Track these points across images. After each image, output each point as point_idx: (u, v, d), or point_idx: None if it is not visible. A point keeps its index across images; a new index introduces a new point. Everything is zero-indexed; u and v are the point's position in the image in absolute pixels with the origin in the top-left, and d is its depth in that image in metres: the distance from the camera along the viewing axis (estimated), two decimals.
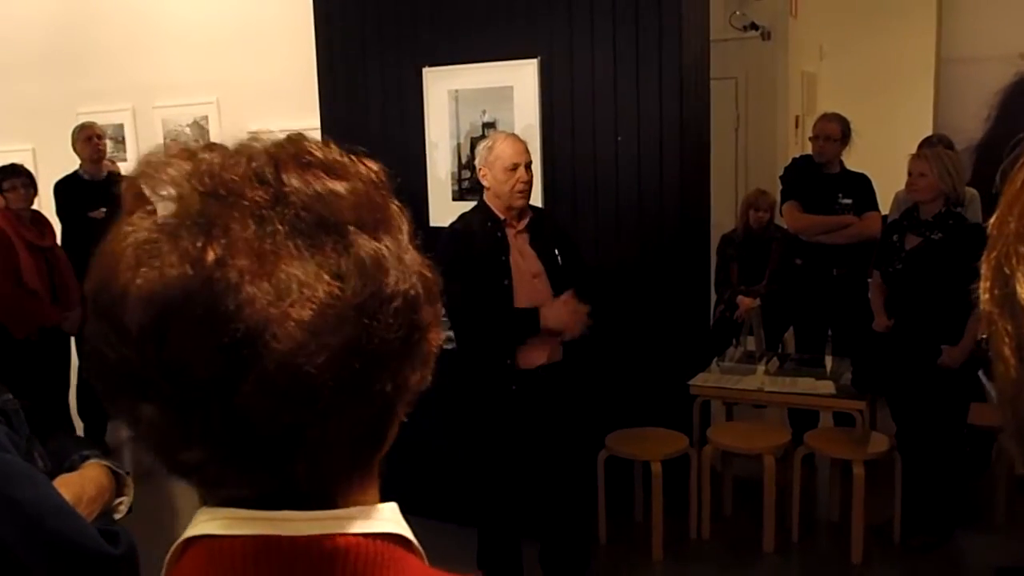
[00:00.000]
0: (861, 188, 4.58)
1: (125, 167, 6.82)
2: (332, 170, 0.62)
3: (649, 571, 3.79)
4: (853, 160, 4.69)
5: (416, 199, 4.59)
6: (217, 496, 0.62)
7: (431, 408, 3.76)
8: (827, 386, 3.93)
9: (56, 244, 4.88)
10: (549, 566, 3.49)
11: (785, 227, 4.76)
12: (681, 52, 3.97)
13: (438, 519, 4.06)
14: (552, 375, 3.28)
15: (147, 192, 0.59)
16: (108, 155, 6.10)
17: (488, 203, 3.29)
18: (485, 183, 3.29)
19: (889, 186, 4.71)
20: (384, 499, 0.67)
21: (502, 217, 3.25)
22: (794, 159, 5.00)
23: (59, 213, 5.22)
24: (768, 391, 3.96)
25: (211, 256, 0.55)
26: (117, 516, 1.47)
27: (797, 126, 6.21)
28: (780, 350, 4.80)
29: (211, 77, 6.93)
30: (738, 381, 4.05)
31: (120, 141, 8.03)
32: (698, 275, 4.39)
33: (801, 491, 3.92)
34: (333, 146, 0.65)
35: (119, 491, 1.50)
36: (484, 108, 4.40)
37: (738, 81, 5.95)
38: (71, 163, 5.32)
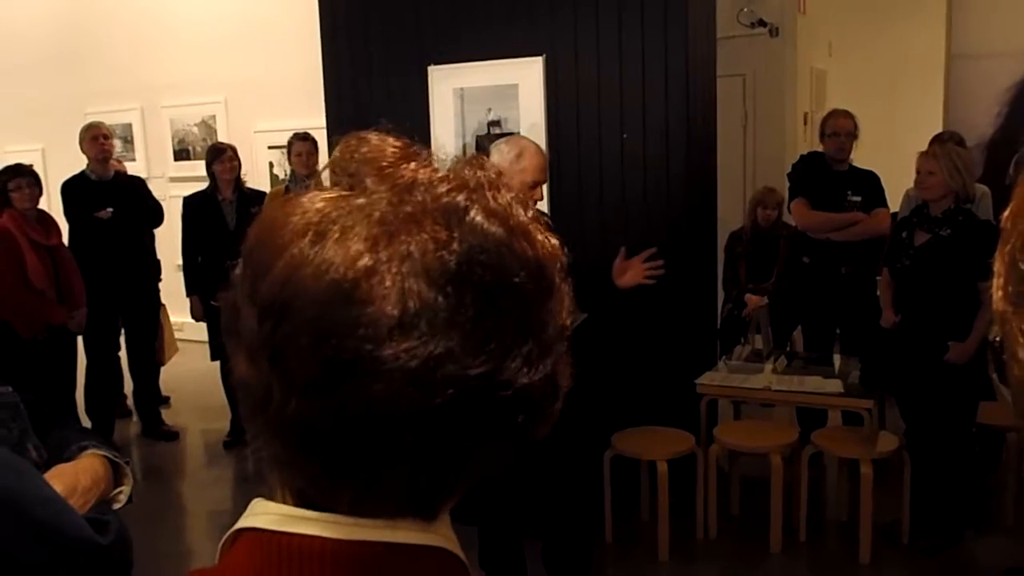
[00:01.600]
0: (870, 185, 4.54)
1: (133, 167, 6.85)
2: (523, 234, 0.58)
3: (655, 571, 3.77)
4: (863, 157, 4.66)
5: None
6: (280, 482, 0.63)
7: None
8: (835, 385, 3.90)
9: (62, 243, 4.89)
10: (552, 565, 3.47)
11: (793, 225, 4.73)
12: (687, 49, 3.94)
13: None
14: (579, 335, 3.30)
15: (343, 177, 0.60)
16: (116, 155, 6.12)
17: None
18: None
19: (899, 183, 4.68)
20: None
21: None
22: (802, 156, 4.97)
23: (66, 213, 5.24)
24: (775, 390, 3.93)
25: (364, 261, 0.54)
26: (116, 506, 1.46)
27: (806, 123, 6.17)
28: (788, 348, 4.77)
29: (218, 77, 6.95)
30: (745, 380, 4.02)
31: (129, 141, 8.07)
32: (705, 273, 4.36)
33: (809, 491, 3.89)
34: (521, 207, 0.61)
35: (118, 481, 1.49)
36: (490, 106, 4.39)
37: (746, 78, 5.92)
38: (80, 163, 5.33)
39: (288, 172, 5.79)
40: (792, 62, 5.98)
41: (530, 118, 4.27)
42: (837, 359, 4.29)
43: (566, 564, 3.46)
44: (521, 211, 0.59)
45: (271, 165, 7.20)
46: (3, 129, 7.93)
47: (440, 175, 0.59)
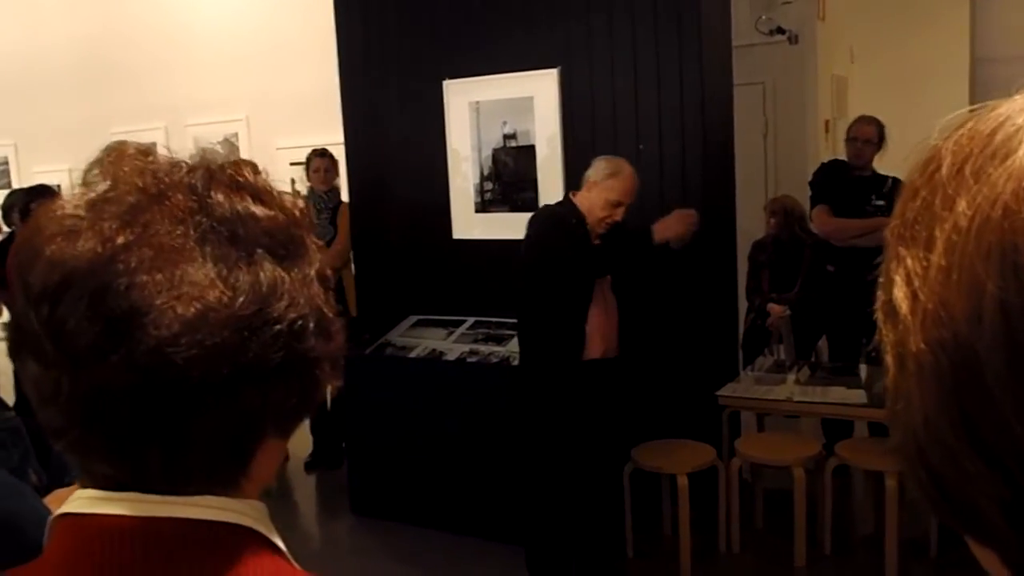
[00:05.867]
0: (894, 190, 4.47)
1: None
2: (258, 196, 0.67)
3: None
4: (887, 164, 4.59)
5: (439, 211, 4.59)
6: (87, 472, 0.66)
7: (473, 425, 3.71)
8: (858, 395, 3.83)
9: None
10: None
11: (816, 232, 4.68)
12: (702, 58, 3.92)
13: (477, 535, 4.06)
14: (607, 370, 3.41)
15: (93, 176, 0.66)
16: None
17: (576, 203, 3.41)
18: (583, 190, 3.42)
19: None
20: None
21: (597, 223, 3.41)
22: (824, 163, 4.92)
23: None
24: (797, 400, 3.87)
25: (121, 240, 0.61)
26: None
27: (827, 131, 6.11)
28: (813, 359, 4.70)
29: (240, 95, 7.02)
30: (767, 391, 3.97)
31: None
32: (725, 284, 4.32)
33: (834, 504, 3.82)
34: (265, 176, 0.71)
35: None
36: (505, 119, 4.39)
37: (766, 86, 5.87)
38: None
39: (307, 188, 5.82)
40: (812, 69, 5.92)
41: (546, 131, 4.26)
42: (863, 369, 4.21)
43: None
44: (261, 179, 0.69)
45: (292, 181, 7.25)
46: (30, 150, 8.06)
47: (175, 167, 0.67)
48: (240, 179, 0.67)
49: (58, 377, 0.61)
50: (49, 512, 1.28)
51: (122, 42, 7.55)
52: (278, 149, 7.06)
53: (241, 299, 0.62)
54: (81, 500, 0.66)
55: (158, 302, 0.60)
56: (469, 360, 4.18)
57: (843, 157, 4.71)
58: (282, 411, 0.66)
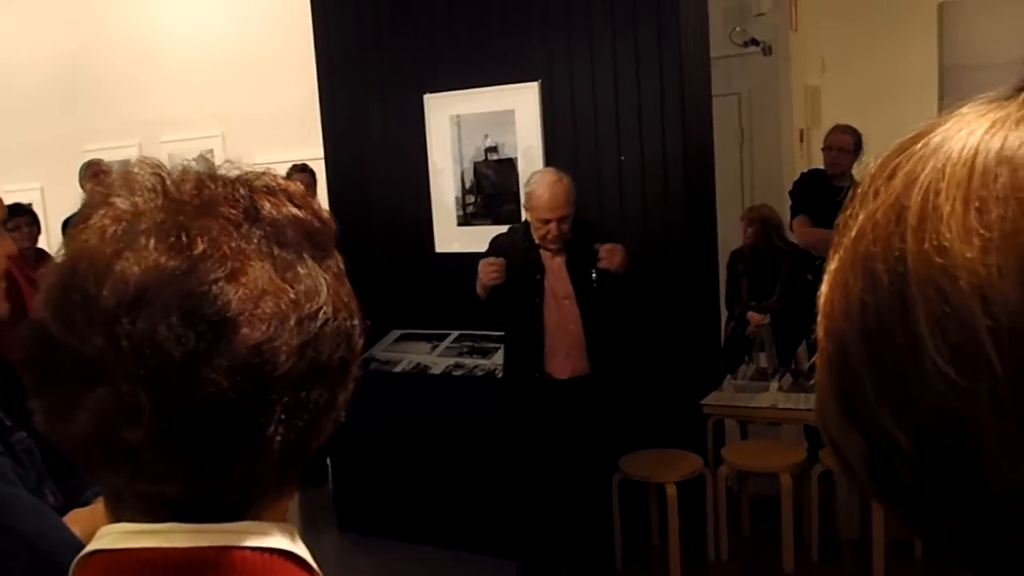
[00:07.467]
0: None
1: None
2: (293, 199, 0.69)
3: None
4: (860, 171, 4.66)
5: (421, 225, 4.59)
6: (137, 497, 0.64)
7: (459, 438, 3.69)
8: None
9: None
10: None
11: (794, 242, 4.73)
12: (682, 70, 3.96)
13: (466, 550, 4.04)
14: (578, 389, 3.38)
15: (119, 193, 0.66)
16: None
17: (531, 223, 3.43)
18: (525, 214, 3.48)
19: None
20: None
21: (537, 241, 3.40)
22: (803, 173, 4.97)
23: None
24: (782, 408, 3.91)
25: (199, 248, 0.61)
26: None
27: (802, 140, 6.18)
28: (793, 366, 4.74)
29: (216, 111, 6.97)
30: (751, 399, 4.00)
31: None
32: (707, 293, 4.35)
33: (820, 509, 3.86)
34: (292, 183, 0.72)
35: None
36: (486, 132, 4.40)
37: (741, 97, 5.93)
38: (79, 201, 5.34)
39: None
40: (786, 79, 6.00)
41: (527, 143, 4.28)
42: None
43: None
44: (292, 184, 0.71)
45: None
46: (2, 169, 7.96)
47: (208, 179, 0.67)
48: (275, 184, 0.69)
49: (135, 396, 0.59)
50: (71, 533, 1.27)
51: (94, 59, 7.47)
52: (255, 165, 7.02)
53: (304, 299, 0.64)
54: (115, 535, 0.64)
55: (248, 306, 0.61)
56: (454, 373, 4.18)
57: (821, 166, 4.77)
58: (335, 407, 0.68)
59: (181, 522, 0.63)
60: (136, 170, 0.67)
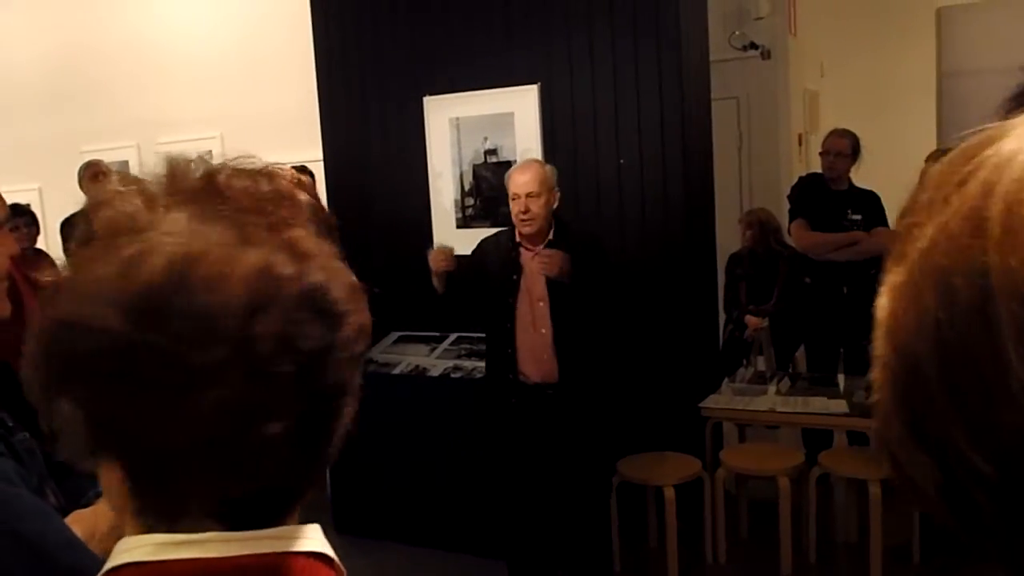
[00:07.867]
0: (871, 204, 4.55)
1: None
2: (304, 189, 0.70)
3: None
4: (858, 176, 4.67)
5: (421, 227, 4.59)
6: (174, 502, 0.62)
7: (458, 441, 3.68)
8: (840, 405, 3.88)
9: None
10: None
11: (792, 245, 4.73)
12: (681, 73, 3.96)
13: (464, 552, 4.04)
14: (554, 395, 3.36)
15: (162, 203, 0.64)
16: None
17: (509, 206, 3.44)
18: None
19: (896, 201, 4.65)
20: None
21: (518, 240, 3.38)
22: (801, 177, 4.98)
23: (66, 252, 5.23)
24: (780, 411, 3.91)
25: (302, 247, 0.63)
26: None
27: (800, 144, 6.19)
28: (791, 369, 4.75)
29: (214, 112, 6.97)
30: (749, 402, 4.00)
31: None
32: (705, 296, 4.36)
33: (817, 512, 3.86)
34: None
35: None
36: (486, 135, 4.40)
37: (740, 101, 5.94)
38: (77, 202, 5.33)
39: None
40: (784, 84, 6.00)
41: (526, 146, 4.28)
42: (842, 379, 4.27)
43: None
44: (305, 177, 0.75)
45: None
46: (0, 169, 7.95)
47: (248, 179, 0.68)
48: (293, 177, 0.71)
49: (272, 390, 0.59)
50: (73, 533, 1.27)
51: (92, 59, 7.47)
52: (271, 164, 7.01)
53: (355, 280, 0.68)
54: (151, 546, 0.61)
55: (345, 294, 0.64)
56: (453, 375, 4.18)
57: (819, 170, 4.77)
58: (353, 392, 0.69)
59: (230, 529, 0.62)
60: (174, 171, 0.67)
